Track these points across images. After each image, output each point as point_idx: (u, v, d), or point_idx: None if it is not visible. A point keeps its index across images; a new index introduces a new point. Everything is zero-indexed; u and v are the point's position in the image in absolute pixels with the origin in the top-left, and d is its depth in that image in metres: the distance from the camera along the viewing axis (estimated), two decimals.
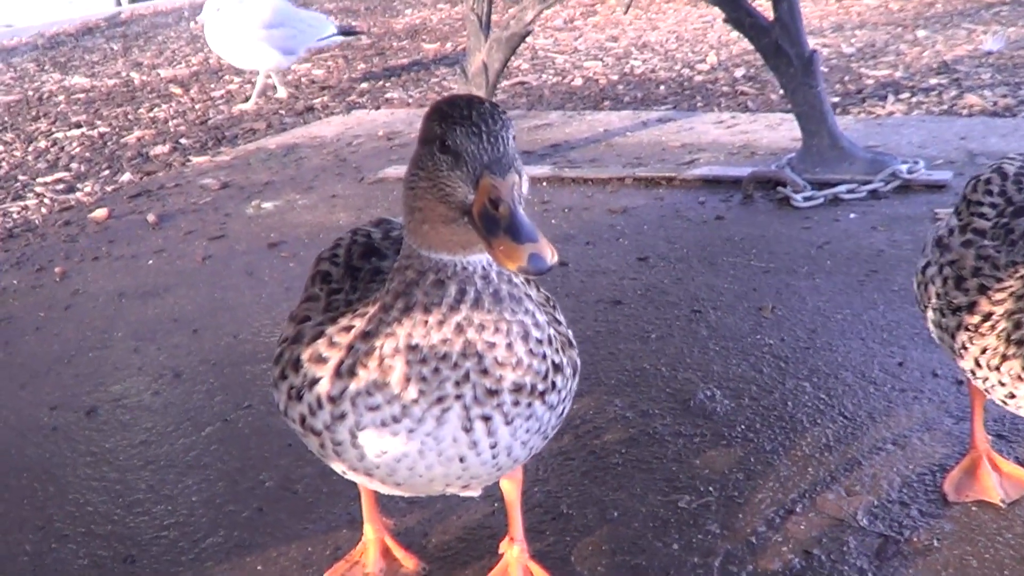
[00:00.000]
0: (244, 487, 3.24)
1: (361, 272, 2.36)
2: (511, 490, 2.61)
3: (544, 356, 2.09)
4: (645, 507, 2.92)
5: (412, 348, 2.01)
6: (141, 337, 4.49)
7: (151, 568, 2.90)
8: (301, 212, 6.02)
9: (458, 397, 2.02)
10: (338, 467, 2.26)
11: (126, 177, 7.46)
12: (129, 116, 9.70)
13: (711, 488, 2.98)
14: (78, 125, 9.51)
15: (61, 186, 7.43)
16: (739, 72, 9.04)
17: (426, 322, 2.01)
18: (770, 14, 5.60)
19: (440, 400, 2.03)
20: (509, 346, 2.02)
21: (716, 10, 12.21)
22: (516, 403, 2.07)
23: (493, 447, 2.10)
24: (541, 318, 2.09)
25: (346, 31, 10.64)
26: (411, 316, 2.02)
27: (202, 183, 6.87)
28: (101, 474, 3.40)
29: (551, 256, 1.78)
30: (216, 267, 5.27)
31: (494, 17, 6.37)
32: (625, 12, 6.17)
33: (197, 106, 9.96)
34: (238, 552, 2.92)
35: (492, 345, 2.01)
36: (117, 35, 16.21)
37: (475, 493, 2.36)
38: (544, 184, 5.99)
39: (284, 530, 3.00)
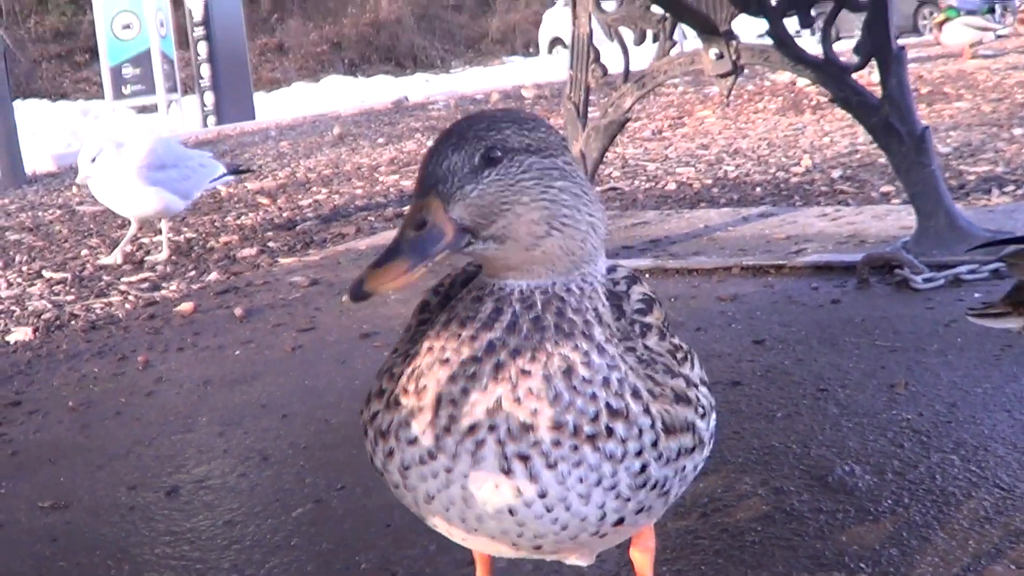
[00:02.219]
0: (337, 568, 2.95)
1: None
2: (642, 562, 2.29)
3: (593, 396, 1.79)
4: None
5: (444, 363, 1.80)
6: (227, 422, 4.25)
7: None
8: (394, 305, 5.78)
9: (491, 428, 1.76)
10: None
11: (212, 276, 7.31)
12: (216, 223, 9.60)
13: (863, 564, 2.65)
14: None
15: (146, 284, 7.30)
16: (836, 173, 8.79)
17: (459, 336, 1.81)
18: (878, 91, 5.37)
19: (472, 430, 1.76)
20: (546, 378, 1.76)
21: (807, 117, 12.15)
22: (557, 443, 1.76)
23: (543, 496, 1.78)
24: (598, 359, 1.81)
25: (236, 170, 9.54)
26: (448, 328, 1.83)
27: (291, 280, 6.68)
28: (181, 553, 3.14)
29: (368, 284, 1.71)
30: (306, 356, 5.04)
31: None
32: (727, 97, 5.95)
33: (284, 214, 9.86)
34: None
35: (527, 373, 1.76)
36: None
37: (583, 563, 2.07)
38: (647, 276, 5.71)
39: None
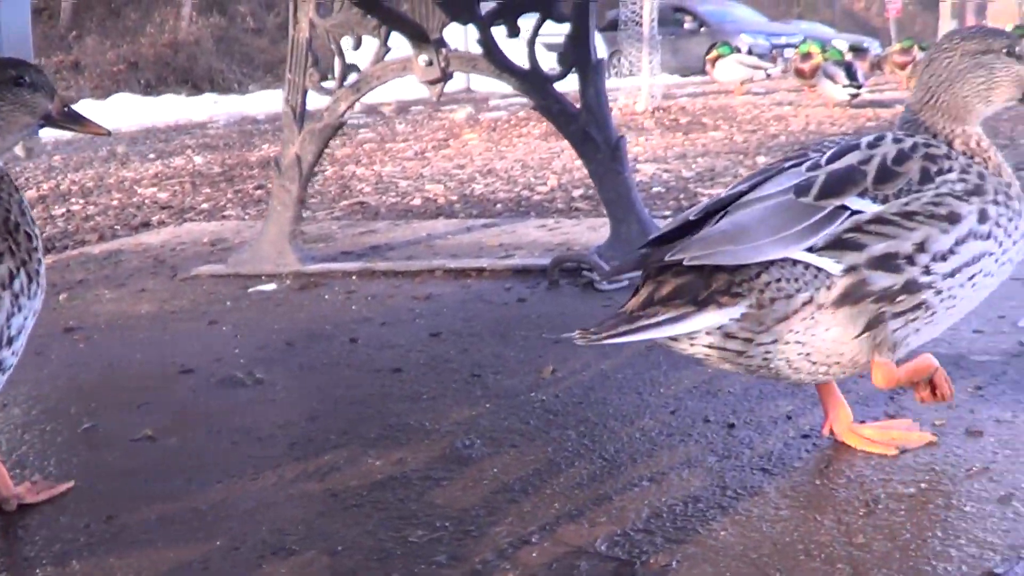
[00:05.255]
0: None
1: None
2: None
3: None
4: (372, 541, 2.72)
5: None
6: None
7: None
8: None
9: None
10: None
11: None
12: None
13: (446, 524, 2.79)
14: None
15: None
16: (577, 192, 9.05)
17: None
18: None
19: None
20: None
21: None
22: None
23: None
24: None
25: None
26: None
27: None
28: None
29: None
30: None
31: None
32: (438, 101, 6.12)
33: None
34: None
35: None
36: None
37: None
38: (354, 278, 5.82)
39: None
